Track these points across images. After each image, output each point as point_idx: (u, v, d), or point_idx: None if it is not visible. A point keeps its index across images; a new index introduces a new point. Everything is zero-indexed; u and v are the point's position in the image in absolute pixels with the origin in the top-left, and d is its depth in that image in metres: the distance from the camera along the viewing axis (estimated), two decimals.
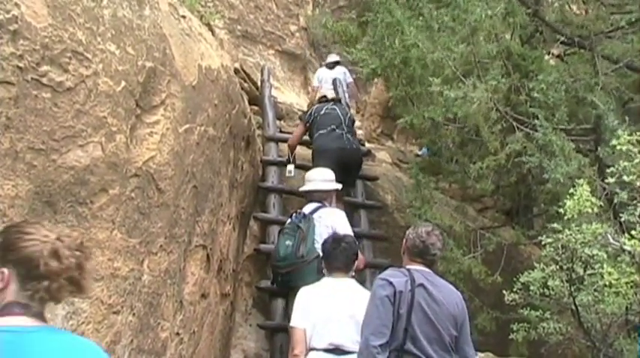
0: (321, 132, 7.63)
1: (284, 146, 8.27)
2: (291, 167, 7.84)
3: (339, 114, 7.80)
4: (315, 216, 6.37)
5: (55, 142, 3.75)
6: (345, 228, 6.18)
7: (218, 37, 7.08)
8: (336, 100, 8.31)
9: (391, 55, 8.09)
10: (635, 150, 5.98)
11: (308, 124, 7.86)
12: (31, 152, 3.61)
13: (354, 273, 5.27)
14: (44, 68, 3.69)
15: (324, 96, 8.33)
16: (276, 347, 6.53)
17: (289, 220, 6.55)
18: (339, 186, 6.83)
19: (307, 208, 6.53)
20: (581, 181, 6.19)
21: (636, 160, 5.92)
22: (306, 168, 7.51)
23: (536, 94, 7.76)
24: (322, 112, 7.80)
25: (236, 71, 8.11)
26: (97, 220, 4.01)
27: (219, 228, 5.95)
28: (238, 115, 6.49)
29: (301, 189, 6.86)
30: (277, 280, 6.43)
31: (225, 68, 6.08)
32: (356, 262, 5.26)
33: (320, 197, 6.59)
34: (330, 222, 6.23)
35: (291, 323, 5.01)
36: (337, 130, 7.60)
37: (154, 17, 4.76)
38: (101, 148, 4.04)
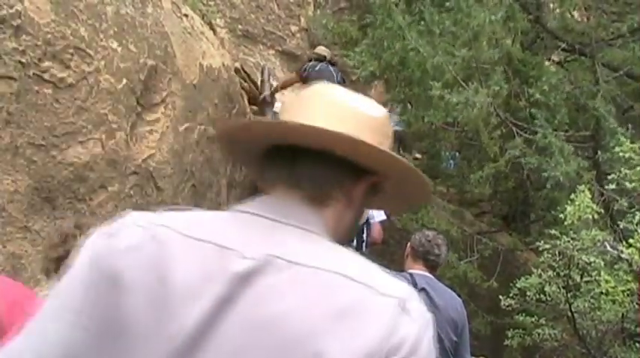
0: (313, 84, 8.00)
1: None
2: (278, 104, 8.42)
3: (332, 71, 8.36)
4: None
5: (55, 138, 3.74)
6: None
7: (219, 36, 7.07)
8: (329, 61, 8.71)
9: (389, 57, 8.10)
10: (637, 157, 5.98)
11: (301, 78, 8.41)
12: (31, 147, 3.61)
13: None
14: (46, 64, 3.68)
15: (319, 54, 8.80)
16: None
17: None
18: None
19: None
20: (582, 187, 6.19)
21: (638, 167, 5.92)
22: None
23: (537, 96, 7.76)
24: (317, 69, 8.36)
25: (236, 71, 8.09)
26: (96, 217, 3.99)
27: None
28: (238, 115, 6.48)
29: None
30: None
31: (226, 67, 6.07)
32: None
33: None
34: None
35: None
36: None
37: (156, 15, 4.75)
38: (101, 145, 4.03)
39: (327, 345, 1.06)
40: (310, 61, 8.67)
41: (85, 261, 1.17)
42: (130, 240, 1.17)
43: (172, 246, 1.15)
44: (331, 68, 8.42)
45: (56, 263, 2.49)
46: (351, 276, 1.14)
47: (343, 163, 1.23)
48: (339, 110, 1.27)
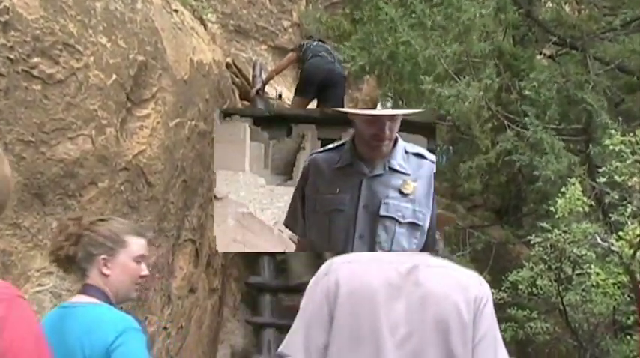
0: (313, 55, 8.54)
1: None
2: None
3: (328, 48, 8.72)
4: None
5: (44, 134, 3.73)
6: None
7: (210, 32, 7.05)
8: (322, 41, 9.03)
9: (379, 51, 8.12)
10: (628, 150, 5.99)
11: (300, 53, 8.75)
12: (20, 144, 3.60)
13: None
14: (35, 60, 3.66)
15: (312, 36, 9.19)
16: (264, 342, 6.52)
17: None
18: None
19: None
20: (572, 180, 6.20)
21: (628, 160, 5.93)
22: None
23: (527, 92, 7.77)
24: (314, 44, 8.71)
25: (228, 66, 8.08)
26: (86, 213, 3.97)
27: (209, 223, 5.93)
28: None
29: None
30: None
31: (216, 63, 6.06)
32: None
33: None
34: None
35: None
36: (328, 57, 8.52)
37: (146, 11, 4.74)
38: (91, 141, 4.02)
39: (457, 298, 2.21)
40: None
41: (322, 290, 2.29)
42: (339, 273, 2.29)
43: (364, 268, 2.31)
44: (327, 45, 8.71)
45: (56, 255, 2.66)
46: (453, 268, 2.34)
47: None
48: None
